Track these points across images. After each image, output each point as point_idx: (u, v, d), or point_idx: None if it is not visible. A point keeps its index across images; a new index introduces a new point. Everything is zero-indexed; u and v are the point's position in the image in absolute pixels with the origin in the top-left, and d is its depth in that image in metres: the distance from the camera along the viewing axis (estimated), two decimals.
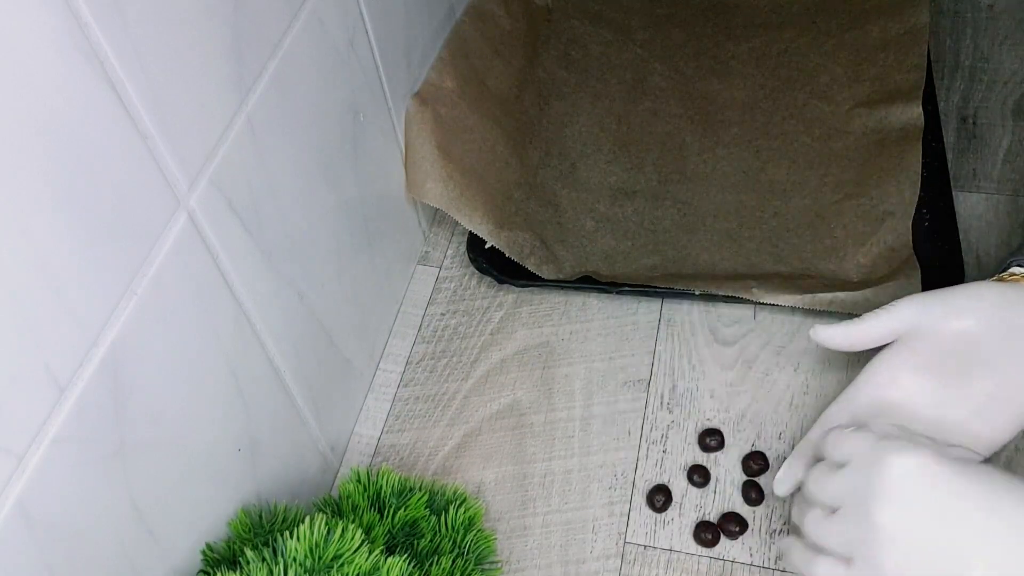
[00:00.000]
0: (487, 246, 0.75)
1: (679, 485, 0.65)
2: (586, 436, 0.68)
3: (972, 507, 0.46)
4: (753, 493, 0.63)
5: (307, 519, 0.50)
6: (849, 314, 0.70)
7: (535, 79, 0.89)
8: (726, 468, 0.65)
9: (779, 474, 0.61)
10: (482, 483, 0.67)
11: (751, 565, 0.61)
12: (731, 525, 0.62)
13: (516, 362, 0.73)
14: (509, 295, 0.77)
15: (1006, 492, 0.46)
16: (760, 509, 0.63)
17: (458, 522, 0.58)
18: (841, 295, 0.69)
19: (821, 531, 0.50)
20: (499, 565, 0.61)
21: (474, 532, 0.58)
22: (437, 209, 0.81)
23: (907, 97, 0.81)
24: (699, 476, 0.65)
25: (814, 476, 0.53)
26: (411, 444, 0.69)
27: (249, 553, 0.49)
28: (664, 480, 0.65)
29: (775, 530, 0.62)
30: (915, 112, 0.80)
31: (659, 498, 0.64)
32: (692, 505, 0.64)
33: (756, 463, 0.64)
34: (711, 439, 0.66)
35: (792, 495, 0.60)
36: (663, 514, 0.64)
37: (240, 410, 0.54)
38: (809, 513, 0.52)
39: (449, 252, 0.81)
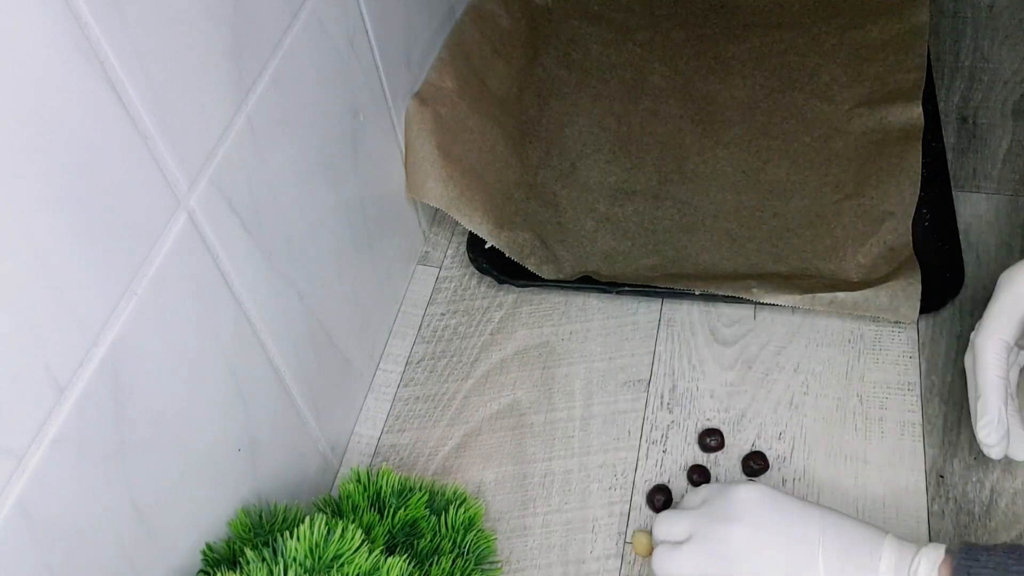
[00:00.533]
0: (487, 246, 0.75)
1: (679, 485, 0.65)
2: (586, 436, 0.68)
3: (809, 517, 0.54)
4: None
5: (307, 519, 0.50)
6: (849, 314, 0.70)
7: (535, 79, 0.89)
8: (726, 468, 0.65)
9: (986, 423, 0.57)
10: (482, 483, 0.67)
11: None
12: None
13: (516, 362, 0.73)
14: (509, 295, 0.77)
15: (832, 512, 0.55)
16: None
17: (458, 522, 0.58)
18: (841, 295, 0.69)
19: (673, 561, 0.56)
20: (499, 565, 0.61)
21: (474, 532, 0.58)
22: (437, 209, 0.81)
23: (907, 97, 0.81)
24: (699, 476, 0.65)
25: (660, 521, 0.59)
26: (411, 444, 0.69)
27: (249, 553, 0.49)
28: (664, 480, 0.65)
29: None
30: (915, 112, 0.80)
31: (659, 498, 0.64)
32: None
33: (756, 463, 0.64)
34: (711, 439, 0.66)
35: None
36: None
37: (240, 410, 0.54)
38: (656, 551, 0.57)
39: (449, 252, 0.81)
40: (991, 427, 0.57)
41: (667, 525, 0.58)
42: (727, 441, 0.66)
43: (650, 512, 0.64)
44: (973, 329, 0.61)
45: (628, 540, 0.63)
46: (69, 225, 0.39)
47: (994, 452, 0.58)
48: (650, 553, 0.62)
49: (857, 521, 0.55)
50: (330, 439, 0.67)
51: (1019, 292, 0.58)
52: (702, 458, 0.66)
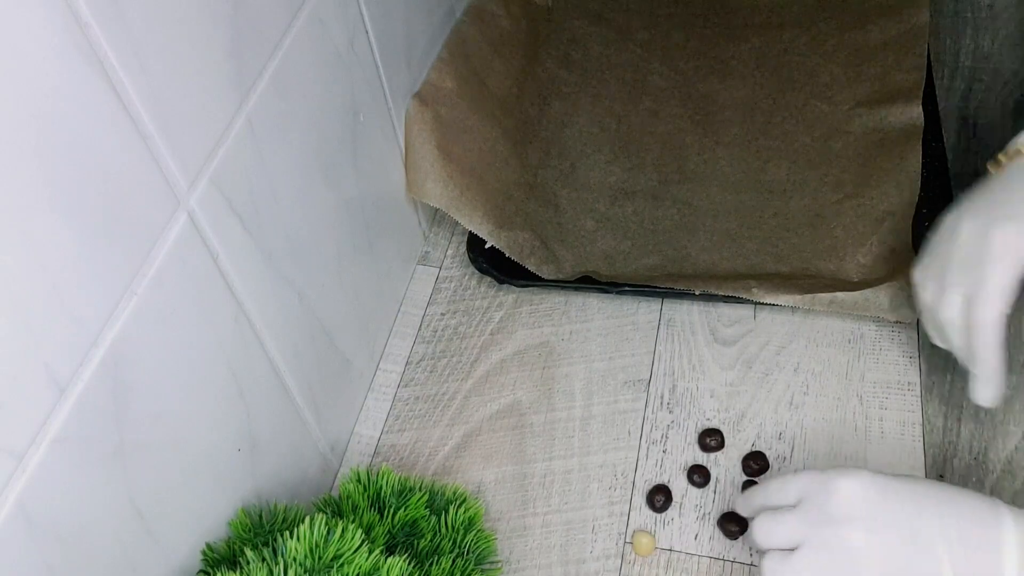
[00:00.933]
0: (487, 246, 0.75)
1: (679, 485, 0.65)
2: (586, 436, 0.68)
3: (922, 501, 0.51)
4: None
5: (307, 519, 0.50)
6: (849, 314, 0.70)
7: (535, 79, 0.89)
8: (726, 468, 0.65)
9: (986, 391, 0.58)
10: (482, 483, 0.67)
11: (751, 565, 0.61)
12: (731, 525, 0.62)
13: (516, 362, 0.73)
14: (509, 295, 0.77)
15: (940, 487, 0.52)
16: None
17: (458, 522, 0.58)
18: (841, 295, 0.69)
19: (786, 571, 0.52)
20: (499, 565, 0.61)
21: (474, 532, 0.58)
22: (437, 209, 0.81)
23: (907, 97, 0.81)
24: (699, 476, 0.65)
25: (761, 526, 0.54)
26: (411, 444, 0.69)
27: (249, 553, 0.49)
28: (664, 480, 0.65)
29: None
30: (915, 112, 0.80)
31: (659, 498, 0.64)
32: (692, 505, 0.64)
33: (756, 463, 0.64)
34: (711, 439, 0.66)
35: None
36: (663, 514, 0.64)
37: (240, 410, 0.54)
38: (766, 560, 0.53)
39: (449, 252, 0.81)
40: (989, 391, 0.58)
41: (769, 531, 0.53)
42: (727, 441, 0.66)
43: (650, 512, 0.64)
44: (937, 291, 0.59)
45: (628, 540, 0.63)
46: (69, 225, 0.39)
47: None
48: (650, 553, 0.62)
49: (969, 494, 0.52)
50: (330, 439, 0.67)
51: (1020, 255, 0.55)
52: (702, 458, 0.66)
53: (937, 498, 0.51)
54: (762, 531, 0.54)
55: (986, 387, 0.58)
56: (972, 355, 0.58)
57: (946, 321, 0.59)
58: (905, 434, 0.65)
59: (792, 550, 0.52)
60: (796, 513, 0.53)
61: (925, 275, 0.61)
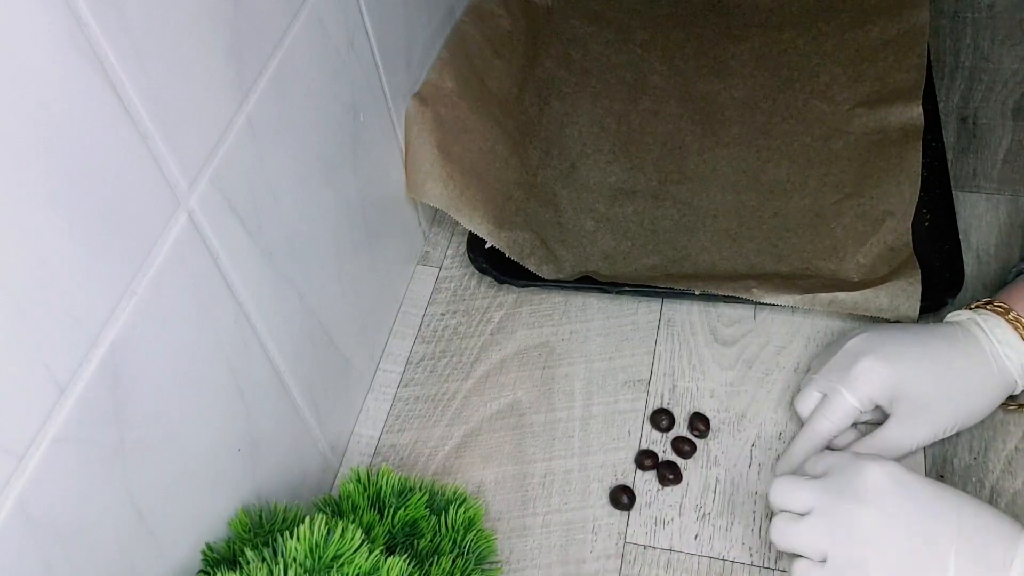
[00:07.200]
0: (487, 246, 0.75)
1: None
2: (586, 436, 0.68)
3: (943, 507, 0.52)
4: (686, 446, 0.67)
5: (307, 519, 0.50)
6: (849, 314, 0.70)
7: (535, 79, 0.89)
8: (726, 468, 0.65)
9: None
10: (482, 483, 0.67)
11: (751, 565, 0.61)
12: (646, 459, 0.66)
13: (516, 362, 0.73)
14: (509, 295, 0.77)
15: (967, 499, 0.53)
16: (760, 507, 0.63)
17: (458, 522, 0.58)
18: (841, 295, 0.69)
19: (794, 534, 0.54)
20: (499, 565, 0.61)
21: (474, 532, 0.58)
22: (437, 209, 0.81)
23: (907, 97, 0.81)
24: (651, 461, 0.66)
25: (780, 485, 0.56)
26: (411, 444, 0.69)
27: (249, 553, 0.49)
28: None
29: None
30: (915, 112, 0.80)
31: (625, 498, 0.64)
32: (692, 505, 0.64)
33: (703, 424, 0.67)
34: (663, 419, 0.68)
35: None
36: (663, 514, 0.64)
37: (240, 410, 0.54)
38: (777, 519, 0.55)
39: (449, 252, 0.81)
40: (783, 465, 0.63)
41: (787, 492, 0.55)
42: (727, 441, 0.66)
43: (650, 512, 0.64)
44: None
45: (628, 540, 0.63)
46: (69, 225, 0.39)
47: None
48: None
49: (995, 514, 0.52)
50: (330, 439, 0.67)
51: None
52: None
53: (960, 509, 0.51)
54: (780, 491, 0.55)
55: (784, 462, 0.63)
56: (795, 441, 0.63)
57: (798, 409, 0.65)
58: None
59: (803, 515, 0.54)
60: (818, 481, 0.54)
61: (816, 362, 0.66)
